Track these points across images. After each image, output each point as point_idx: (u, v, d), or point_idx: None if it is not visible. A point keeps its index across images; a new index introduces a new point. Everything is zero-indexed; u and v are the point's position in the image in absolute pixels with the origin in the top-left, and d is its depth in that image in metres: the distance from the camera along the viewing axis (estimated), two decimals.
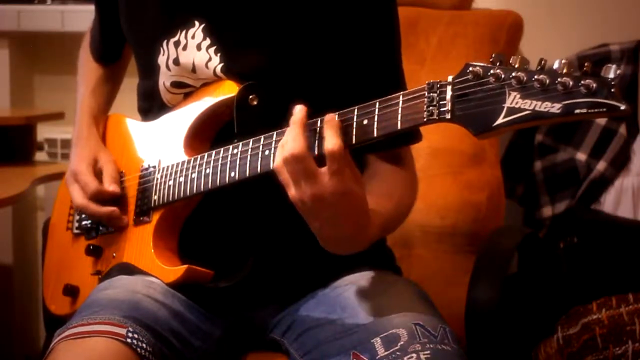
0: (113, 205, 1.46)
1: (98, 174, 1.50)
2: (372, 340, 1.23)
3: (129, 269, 1.42)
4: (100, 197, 1.47)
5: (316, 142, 1.17)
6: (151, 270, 1.39)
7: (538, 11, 2.25)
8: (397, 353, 1.19)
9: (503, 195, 2.00)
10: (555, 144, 2.15)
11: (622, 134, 2.09)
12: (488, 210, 1.94)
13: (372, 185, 1.33)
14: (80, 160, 1.52)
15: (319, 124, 1.18)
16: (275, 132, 1.23)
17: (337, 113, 1.17)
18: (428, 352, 1.19)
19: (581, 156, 2.12)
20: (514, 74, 1.00)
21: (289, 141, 1.15)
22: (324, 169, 1.13)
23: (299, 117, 1.17)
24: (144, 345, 1.24)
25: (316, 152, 1.17)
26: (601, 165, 2.09)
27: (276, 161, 1.17)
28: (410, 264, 1.84)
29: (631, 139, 2.09)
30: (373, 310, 1.28)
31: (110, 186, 1.47)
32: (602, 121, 2.10)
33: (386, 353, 1.20)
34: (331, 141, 1.13)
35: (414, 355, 1.19)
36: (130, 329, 1.24)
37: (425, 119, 1.08)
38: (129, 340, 1.23)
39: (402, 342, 1.20)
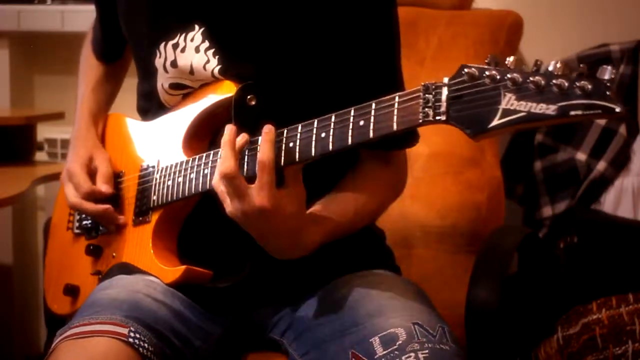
0: (109, 203, 1.47)
1: (93, 173, 1.50)
2: (370, 340, 1.23)
3: (129, 269, 1.42)
4: (93, 197, 1.47)
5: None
6: (150, 270, 1.39)
7: (538, 11, 2.24)
8: (396, 352, 1.20)
9: (503, 195, 2.00)
10: (555, 144, 2.15)
11: (622, 134, 2.09)
12: (488, 210, 1.94)
13: (343, 184, 1.36)
14: (75, 159, 1.52)
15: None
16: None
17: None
18: (426, 351, 1.19)
19: (581, 156, 2.11)
20: (509, 75, 1.00)
21: (220, 162, 1.20)
22: (253, 186, 1.18)
23: (228, 138, 1.21)
24: (146, 345, 1.24)
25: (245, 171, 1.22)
26: (601, 165, 2.09)
27: (214, 179, 1.22)
28: (410, 263, 1.84)
29: (631, 139, 2.09)
30: (372, 310, 1.28)
31: (102, 186, 1.48)
32: (602, 121, 2.09)
33: (385, 352, 1.20)
34: (263, 151, 1.17)
35: (413, 354, 1.19)
36: (132, 329, 1.25)
37: (420, 120, 1.08)
38: (130, 340, 1.23)
39: (400, 342, 1.21)
